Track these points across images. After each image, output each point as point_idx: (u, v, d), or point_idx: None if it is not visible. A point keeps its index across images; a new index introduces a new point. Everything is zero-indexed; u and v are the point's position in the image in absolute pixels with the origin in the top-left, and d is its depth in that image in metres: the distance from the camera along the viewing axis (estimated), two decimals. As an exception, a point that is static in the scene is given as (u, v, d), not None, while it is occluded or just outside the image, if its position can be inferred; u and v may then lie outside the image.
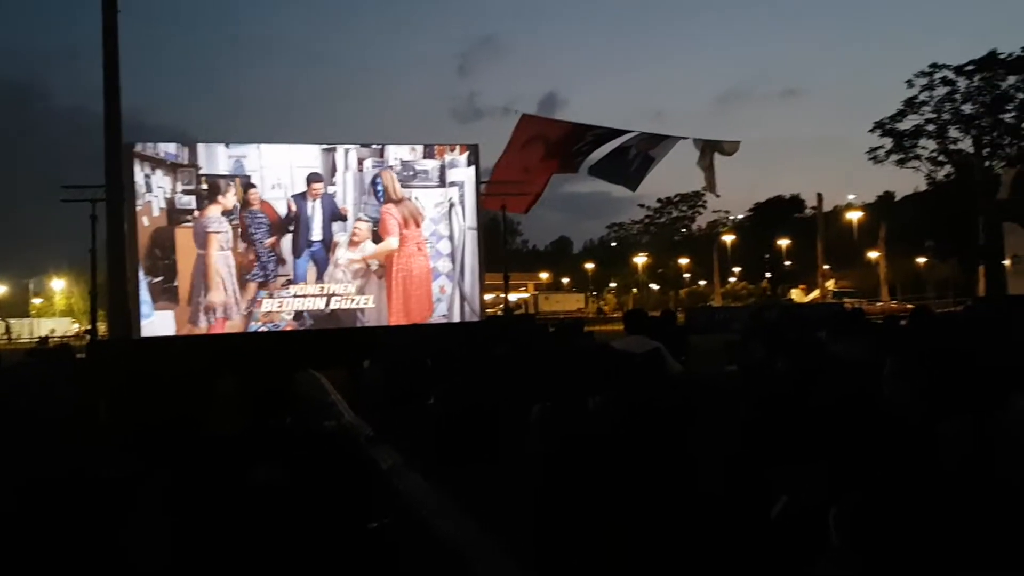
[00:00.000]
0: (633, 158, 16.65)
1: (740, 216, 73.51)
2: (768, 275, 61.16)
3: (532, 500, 2.81)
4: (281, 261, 13.74)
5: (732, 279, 66.42)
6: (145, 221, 13.29)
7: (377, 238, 14.12)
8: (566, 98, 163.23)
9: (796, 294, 48.95)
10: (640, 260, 72.78)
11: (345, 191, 14.11)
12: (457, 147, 14.92)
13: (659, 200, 75.52)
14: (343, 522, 2.63)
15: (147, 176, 13.37)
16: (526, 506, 2.83)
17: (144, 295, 13.12)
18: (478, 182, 15.05)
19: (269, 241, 13.69)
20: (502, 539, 2.99)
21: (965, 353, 4.00)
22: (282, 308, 13.73)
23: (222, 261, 13.44)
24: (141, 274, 13.13)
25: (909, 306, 28.92)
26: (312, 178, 13.89)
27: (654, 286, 72.27)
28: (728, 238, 66.71)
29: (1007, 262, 29.81)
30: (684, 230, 76.43)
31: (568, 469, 2.80)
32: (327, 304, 13.91)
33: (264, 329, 13.44)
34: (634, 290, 72.70)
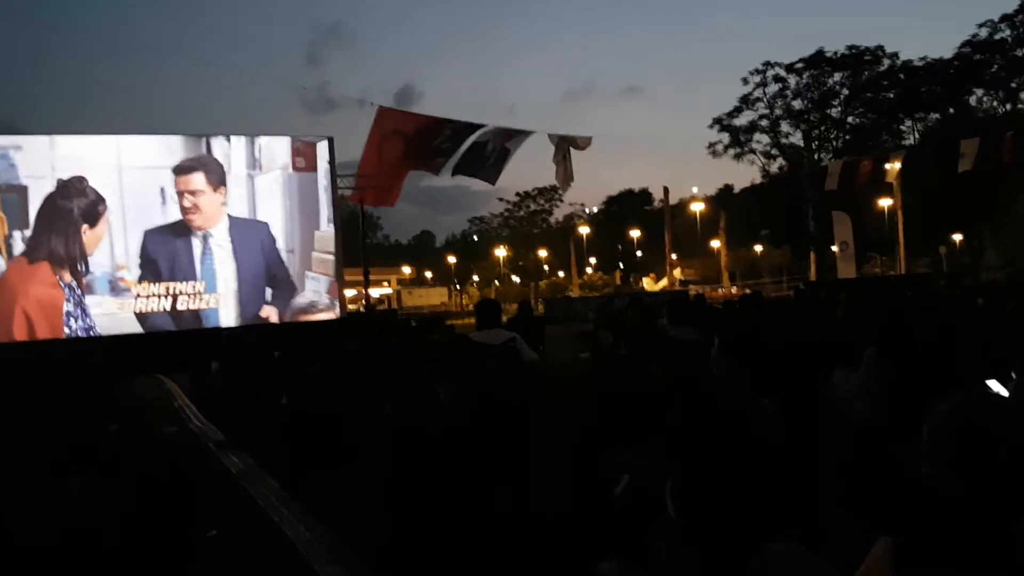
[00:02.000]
0: (490, 152, 16.86)
1: (595, 209, 76.12)
2: (621, 265, 63.61)
3: (382, 498, 2.81)
4: (116, 258, 12.82)
5: (589, 270, 68.61)
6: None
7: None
8: (422, 91, 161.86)
9: (647, 283, 51.28)
10: (501, 253, 73.73)
11: (195, 183, 13.35)
12: (318, 140, 14.50)
13: (517, 194, 76.96)
14: (179, 530, 2.52)
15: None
16: (377, 505, 2.82)
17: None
18: (334, 175, 14.69)
19: (98, 233, 12.66)
20: (356, 542, 2.97)
21: (789, 333, 4.35)
22: (122, 310, 12.85)
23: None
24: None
25: (747, 291, 30.89)
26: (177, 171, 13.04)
27: (515, 278, 73.44)
28: (584, 230, 68.83)
29: (836, 248, 32.50)
30: (543, 223, 78.21)
31: (419, 464, 2.82)
32: (174, 304, 13.15)
33: (97, 334, 12.50)
34: (496, 283, 73.54)
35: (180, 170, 13.17)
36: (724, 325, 4.19)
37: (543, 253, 71.81)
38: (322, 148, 14.43)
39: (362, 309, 28.89)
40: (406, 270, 75.53)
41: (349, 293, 21.81)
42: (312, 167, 14.34)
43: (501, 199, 77.31)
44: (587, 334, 5.43)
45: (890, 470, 2.53)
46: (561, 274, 70.33)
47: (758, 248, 56.03)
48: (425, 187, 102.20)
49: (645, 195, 71.81)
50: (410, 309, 47.12)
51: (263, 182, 13.86)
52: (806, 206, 42.49)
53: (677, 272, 47.89)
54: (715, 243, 53.09)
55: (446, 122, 16.66)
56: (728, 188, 62.99)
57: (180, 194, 13.11)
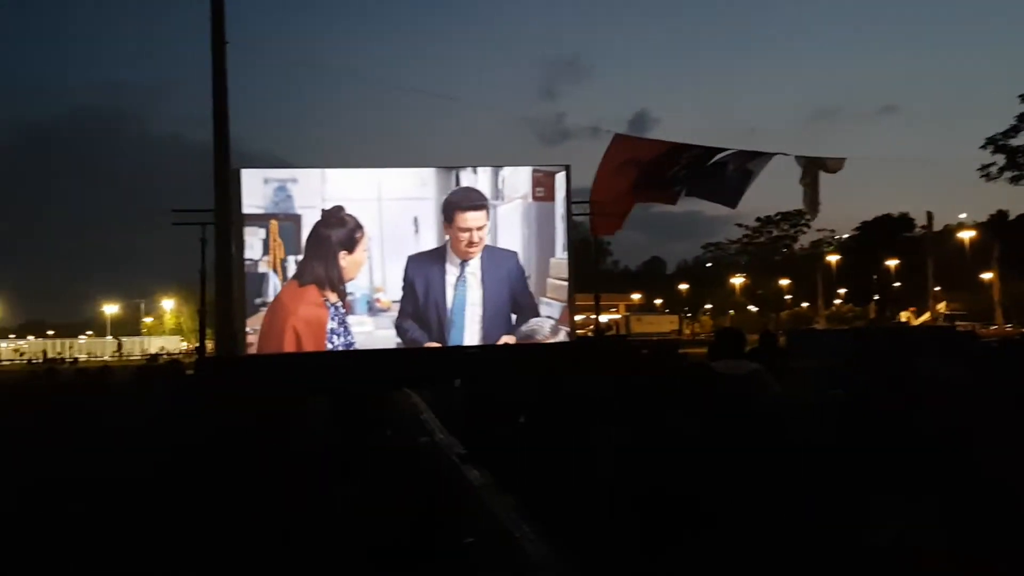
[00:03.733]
0: (731, 174, 16.13)
1: (845, 235, 70.62)
2: (876, 297, 58.43)
3: (619, 522, 2.78)
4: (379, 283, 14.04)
5: (837, 301, 63.88)
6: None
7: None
8: (658, 117, 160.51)
9: (906, 316, 46.59)
10: (737, 281, 70.87)
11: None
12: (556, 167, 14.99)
13: (758, 219, 73.50)
14: (435, 536, 2.67)
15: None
16: (616, 529, 2.80)
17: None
18: (570, 202, 15.01)
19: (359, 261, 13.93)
20: (592, 563, 2.96)
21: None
22: (377, 328, 14.01)
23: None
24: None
25: (1029, 330, 27.02)
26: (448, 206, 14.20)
27: (752, 308, 70.21)
28: (833, 258, 64.25)
29: None
30: (785, 249, 73.96)
31: (651, 491, 2.76)
32: (422, 325, 14.13)
33: (358, 348, 13.73)
34: (731, 312, 70.87)
35: (469, 207, 14.17)
36: (1009, 369, 3.68)
37: (784, 281, 67.97)
38: (560, 178, 14.84)
39: (591, 335, 29.17)
40: (635, 296, 75.16)
41: (578, 318, 22.10)
42: (550, 196, 14.78)
43: (739, 224, 74.33)
44: (840, 369, 5.03)
45: None
46: (805, 304, 66.15)
47: (1039, 282, 48.79)
48: (655, 213, 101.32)
49: (905, 221, 65.46)
50: (639, 336, 46.79)
51: (505, 211, 14.53)
52: (1103, 234, 36.38)
53: (941, 306, 43.11)
54: (986, 275, 47.10)
55: (683, 148, 16.18)
56: (1002, 214, 55.68)
57: (467, 230, 14.11)
